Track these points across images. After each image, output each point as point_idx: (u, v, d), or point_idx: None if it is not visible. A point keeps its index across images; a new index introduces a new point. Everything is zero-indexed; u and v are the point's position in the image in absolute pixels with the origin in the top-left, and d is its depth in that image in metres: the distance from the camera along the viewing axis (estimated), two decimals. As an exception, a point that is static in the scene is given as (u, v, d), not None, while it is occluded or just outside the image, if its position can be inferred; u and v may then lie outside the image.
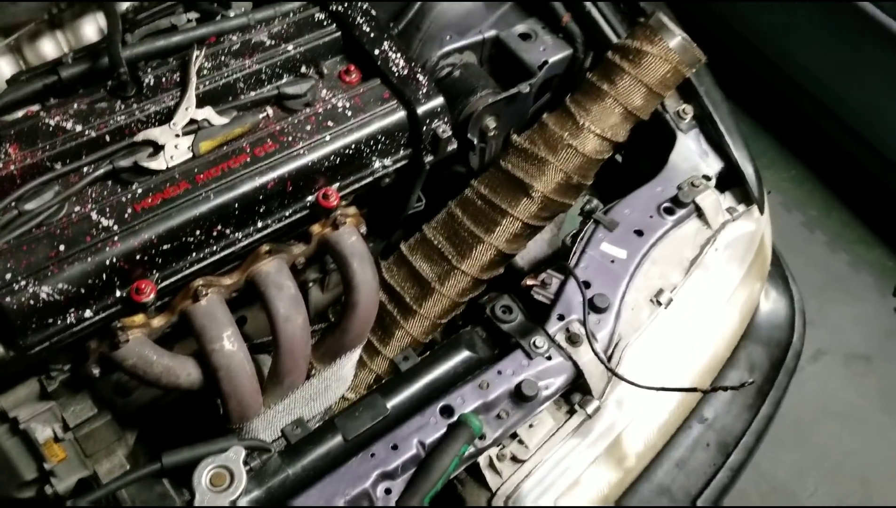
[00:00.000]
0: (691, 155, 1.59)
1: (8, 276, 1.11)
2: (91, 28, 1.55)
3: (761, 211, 1.56)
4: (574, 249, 1.45)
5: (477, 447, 1.22)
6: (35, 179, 1.21)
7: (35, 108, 1.31)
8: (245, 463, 1.13)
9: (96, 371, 1.30)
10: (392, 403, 1.25)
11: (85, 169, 1.24)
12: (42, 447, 1.34)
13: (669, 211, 1.50)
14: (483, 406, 1.25)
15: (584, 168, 1.55)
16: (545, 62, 1.70)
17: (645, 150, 1.66)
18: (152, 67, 1.35)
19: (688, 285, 1.45)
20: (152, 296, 1.22)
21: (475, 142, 1.65)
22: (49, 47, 1.50)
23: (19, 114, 1.29)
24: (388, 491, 1.16)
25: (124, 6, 1.55)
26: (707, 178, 1.55)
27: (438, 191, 1.65)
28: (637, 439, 1.35)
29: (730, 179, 1.60)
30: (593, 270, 1.41)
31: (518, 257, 1.67)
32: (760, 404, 1.54)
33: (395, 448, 1.19)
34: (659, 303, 1.41)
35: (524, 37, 1.74)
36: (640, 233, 1.47)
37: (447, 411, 1.23)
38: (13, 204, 1.18)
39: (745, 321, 1.56)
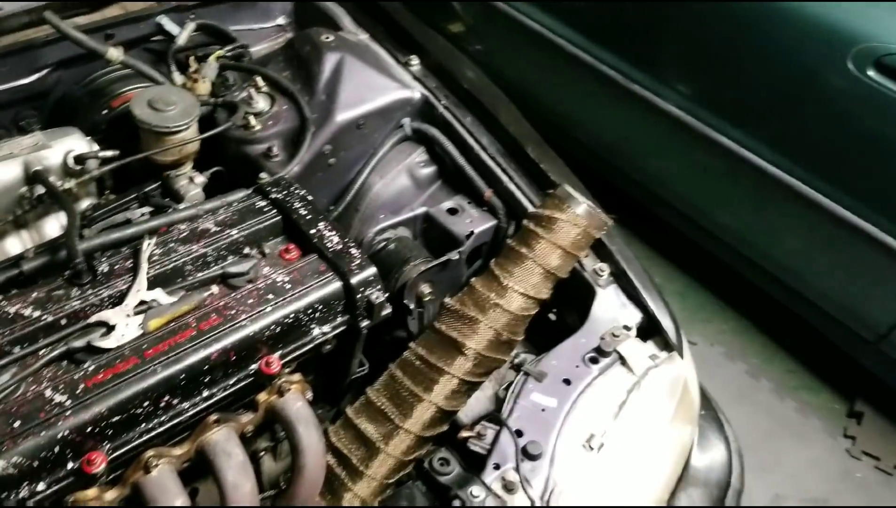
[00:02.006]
0: (611, 307, 1.76)
1: (-35, 454, 1.21)
2: (53, 226, 1.74)
3: (681, 356, 1.72)
4: (507, 399, 1.58)
5: None
6: (-7, 361, 1.34)
7: (-3, 299, 1.46)
8: None
9: (48, 550, 1.36)
10: (333, 562, 1.32)
11: (41, 352, 1.37)
12: None
13: (594, 360, 1.65)
14: (423, 557, 1.32)
15: (512, 325, 1.71)
16: (471, 232, 1.90)
17: (570, 306, 1.84)
18: (107, 257, 1.51)
19: (617, 429, 1.57)
20: (103, 466, 1.31)
21: (412, 307, 1.81)
22: (13, 244, 1.68)
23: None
24: None
25: (84, 204, 1.75)
26: (627, 328, 1.72)
27: (382, 355, 1.79)
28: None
29: (649, 329, 1.76)
30: (525, 419, 1.54)
31: (462, 413, 1.78)
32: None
33: None
34: (591, 448, 1.52)
35: (452, 211, 1.96)
36: (567, 382, 1.61)
37: (390, 566, 1.31)
38: (-29, 387, 1.30)
39: (680, 464, 1.66)
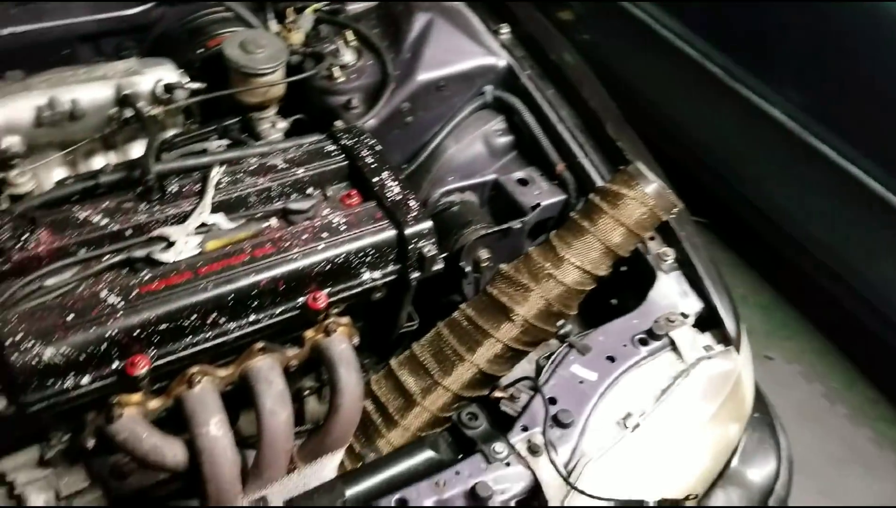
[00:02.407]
0: (671, 294, 1.72)
1: (19, 337, 1.30)
2: (138, 150, 1.84)
3: (738, 352, 1.66)
4: (546, 367, 1.57)
5: (426, 542, 1.30)
6: (59, 260, 1.43)
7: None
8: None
9: (91, 443, 1.44)
10: (351, 491, 1.34)
11: (104, 257, 1.46)
12: (34, 515, 1.47)
13: (644, 342, 1.62)
14: (437, 502, 1.33)
15: (564, 297, 1.69)
16: (538, 204, 1.89)
17: (629, 288, 1.81)
18: (178, 179, 1.59)
19: (657, 413, 1.53)
20: (145, 370, 1.38)
21: (467, 270, 1.82)
22: (100, 162, 1.78)
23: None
24: (331, 575, 1.24)
25: (169, 133, 1.84)
26: (685, 315, 1.68)
27: (435, 318, 1.81)
28: (595, 558, 1.40)
29: (709, 321, 1.71)
30: (561, 388, 1.52)
31: (504, 380, 1.79)
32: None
33: (344, 532, 1.28)
34: (626, 426, 1.50)
35: (522, 182, 1.96)
36: (612, 359, 1.58)
37: (401, 503, 1.32)
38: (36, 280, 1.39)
39: (720, 461, 1.62)
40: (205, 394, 1.49)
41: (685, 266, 1.75)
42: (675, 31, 3.31)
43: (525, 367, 1.74)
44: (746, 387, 1.68)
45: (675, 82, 3.43)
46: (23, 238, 1.42)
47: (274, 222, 1.57)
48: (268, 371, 1.55)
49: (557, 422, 1.46)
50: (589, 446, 1.46)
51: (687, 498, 1.37)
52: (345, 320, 1.65)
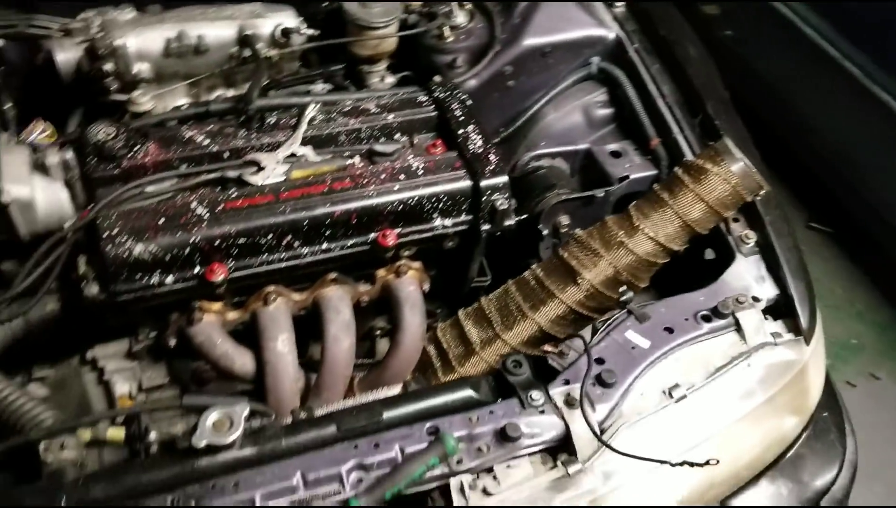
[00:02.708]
0: (746, 276, 1.68)
1: (115, 232, 1.47)
2: (255, 90, 1.98)
3: (807, 343, 1.61)
4: (601, 329, 1.59)
5: (451, 468, 1.35)
6: (162, 172, 1.59)
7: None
8: (247, 420, 1.35)
9: (172, 342, 1.61)
10: (389, 413, 1.42)
11: (201, 173, 1.61)
12: (118, 399, 1.65)
13: (707, 319, 1.60)
14: (468, 436, 1.39)
15: (634, 267, 1.70)
16: (626, 176, 1.90)
17: (706, 266, 1.79)
18: (278, 113, 1.72)
19: (707, 389, 1.52)
20: (222, 278, 1.52)
21: (545, 233, 1.85)
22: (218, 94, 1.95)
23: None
24: (359, 481, 1.32)
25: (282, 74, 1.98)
26: (756, 299, 1.64)
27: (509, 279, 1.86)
28: (619, 518, 1.42)
29: (783, 310, 1.67)
30: (611, 351, 1.54)
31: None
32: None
33: (377, 446, 1.35)
34: (671, 396, 1.49)
35: (614, 154, 1.96)
36: (670, 331, 1.58)
37: (434, 430, 1.39)
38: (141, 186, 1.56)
39: (770, 451, 1.58)
40: (277, 312, 1.62)
41: (766, 251, 1.71)
42: (821, 32, 3.17)
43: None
44: (812, 382, 1.62)
45: (815, 85, 3.28)
46: (134, 149, 1.59)
47: (357, 160, 1.68)
48: (337, 301, 1.66)
49: (600, 380, 1.48)
50: (629, 409, 1.47)
51: (707, 463, 1.35)
52: (417, 264, 1.74)
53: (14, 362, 1.65)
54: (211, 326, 1.60)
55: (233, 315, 1.65)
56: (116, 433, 1.43)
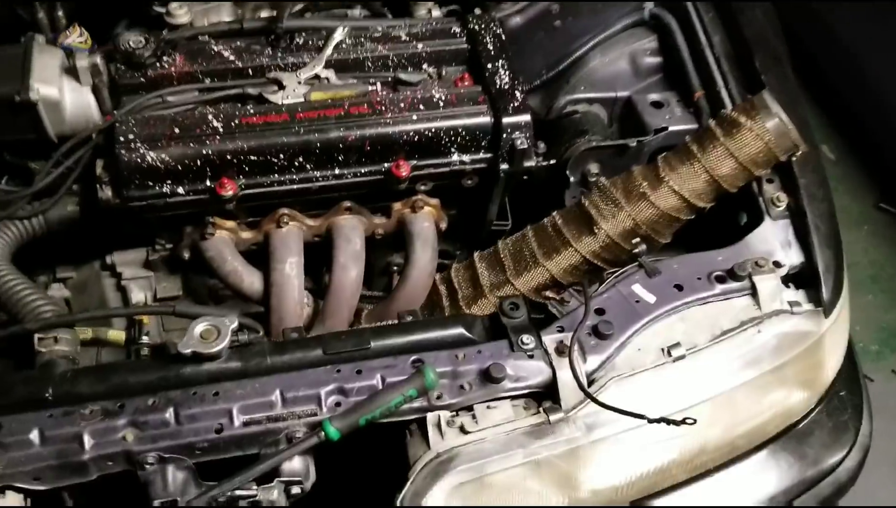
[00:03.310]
0: (771, 240, 1.60)
1: (131, 136, 1.50)
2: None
3: (826, 316, 1.53)
4: (607, 280, 1.54)
5: (431, 402, 1.35)
6: (186, 83, 1.61)
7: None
8: (235, 334, 1.38)
9: (186, 255, 1.65)
10: (376, 342, 1.43)
11: (224, 88, 1.62)
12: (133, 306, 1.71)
13: (721, 279, 1.53)
14: (451, 373, 1.38)
15: (655, 222, 1.63)
16: (664, 128, 1.82)
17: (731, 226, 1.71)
18: (306, 34, 1.71)
19: (709, 352, 1.46)
20: (231, 193, 1.54)
21: (572, 180, 1.80)
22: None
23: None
24: (337, 404, 1.34)
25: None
26: (777, 264, 1.56)
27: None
28: (599, 474, 1.38)
29: (807, 279, 1.58)
30: (614, 302, 1.49)
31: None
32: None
33: (359, 372, 1.36)
34: (669, 354, 1.44)
35: (656, 104, 1.88)
36: (679, 288, 1.52)
37: (418, 363, 1.39)
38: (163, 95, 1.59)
39: (774, 424, 1.52)
40: (289, 235, 1.64)
41: (796, 215, 1.62)
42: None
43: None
44: (828, 357, 1.55)
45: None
46: (162, 59, 1.61)
47: (379, 87, 1.66)
48: (349, 230, 1.67)
49: (596, 331, 1.44)
50: (622, 363, 1.43)
51: (684, 421, 1.31)
52: (434, 201, 1.72)
53: (38, 262, 1.73)
54: (222, 242, 1.63)
55: (246, 235, 1.68)
56: (117, 335, 1.48)
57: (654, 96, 1.89)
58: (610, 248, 1.65)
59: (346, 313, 1.68)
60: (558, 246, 1.68)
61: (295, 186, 1.59)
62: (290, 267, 1.62)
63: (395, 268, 1.87)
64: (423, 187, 1.68)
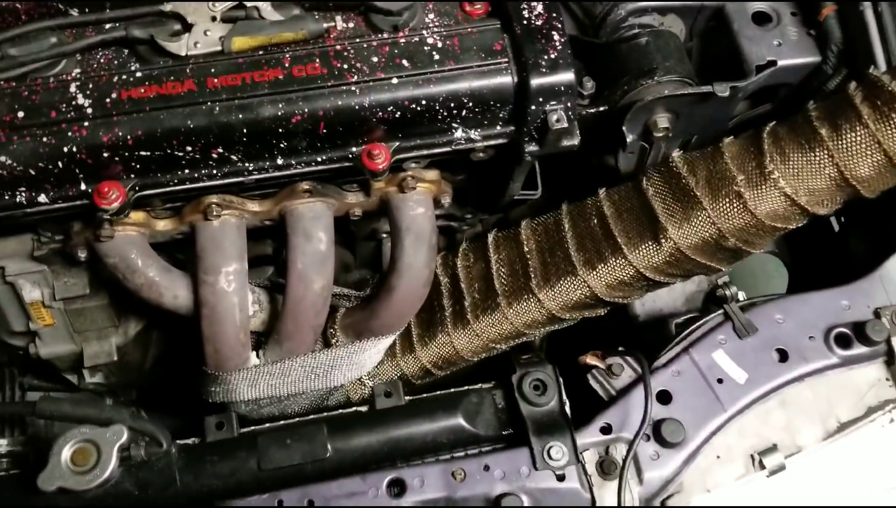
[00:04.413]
0: (923, 272, 1.12)
1: (-51, 128, 0.98)
2: None
3: None
4: (676, 339, 1.08)
5: (415, 551, 0.95)
6: (39, 21, 1.05)
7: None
8: (125, 450, 0.95)
9: (82, 255, 1.18)
10: (337, 445, 1.00)
11: (98, 28, 1.06)
12: (29, 306, 1.29)
13: (844, 342, 1.07)
14: (445, 501, 0.96)
15: (749, 232, 1.13)
16: (771, 62, 1.26)
17: (864, 235, 1.21)
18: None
19: (820, 456, 1.03)
20: (117, 205, 1.04)
21: (629, 139, 1.27)
22: None
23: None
24: (276, 559, 0.94)
25: None
26: (927, 313, 1.09)
27: (570, 189, 1.31)
28: None
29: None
30: (686, 382, 1.05)
31: (639, 302, 1.32)
32: None
33: (310, 504, 0.95)
34: (762, 466, 1.02)
35: (760, 18, 1.31)
36: (783, 356, 1.06)
37: (397, 485, 0.97)
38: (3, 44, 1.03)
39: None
40: (223, 231, 1.17)
41: (967, 235, 1.12)
42: None
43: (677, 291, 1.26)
44: None
45: None
46: (-5, -21, 1.04)
47: (340, 23, 1.09)
48: (310, 222, 1.19)
49: (658, 435, 1.00)
50: (693, 481, 1.01)
51: None
52: (430, 174, 1.23)
53: None
54: (128, 243, 1.16)
55: (164, 225, 1.19)
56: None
57: (759, 5, 1.31)
58: (679, 262, 1.17)
59: (310, 335, 1.24)
60: (604, 252, 1.19)
61: (217, 182, 1.09)
62: (226, 281, 1.15)
63: (385, 235, 1.41)
64: (413, 165, 1.17)
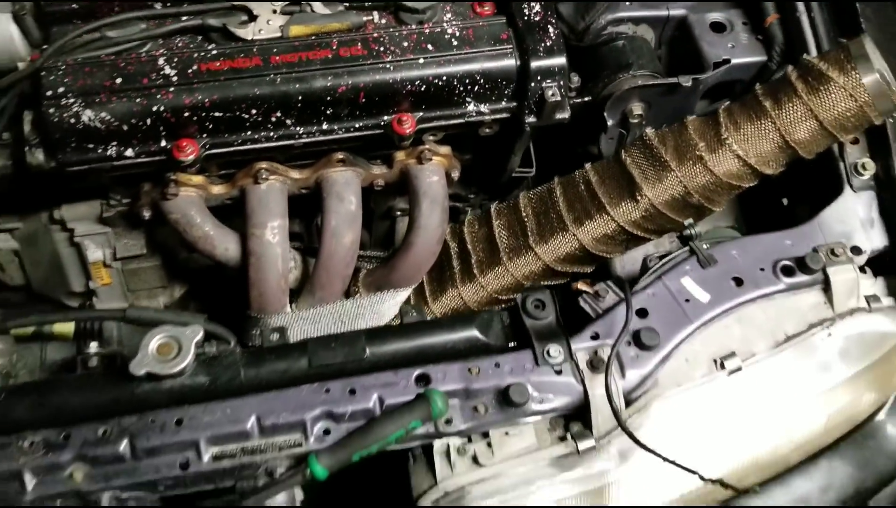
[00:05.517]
0: (850, 218, 1.38)
1: (61, 90, 1.24)
2: None
3: (914, 314, 1.33)
4: (651, 269, 1.33)
5: (439, 428, 1.17)
6: (131, 11, 1.33)
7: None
8: (200, 346, 1.18)
9: (147, 214, 1.42)
10: (373, 350, 1.23)
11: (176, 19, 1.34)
12: (90, 265, 1.50)
13: (789, 271, 1.32)
14: (463, 392, 1.20)
15: (710, 190, 1.40)
16: (726, 60, 1.55)
17: (804, 196, 1.48)
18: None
19: (770, 362, 1.27)
20: (192, 157, 1.30)
21: (610, 123, 1.55)
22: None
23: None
24: (326, 432, 1.16)
25: None
26: (857, 251, 1.35)
27: (560, 169, 1.58)
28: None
29: (889, 266, 1.37)
30: (659, 301, 1.29)
31: (619, 264, 1.57)
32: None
33: (352, 392, 1.18)
34: (723, 366, 1.25)
35: (717, 27, 1.60)
36: (738, 282, 1.31)
37: (423, 379, 1.20)
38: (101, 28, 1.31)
39: (836, 432, 1.35)
40: (269, 194, 1.41)
41: (885, 187, 1.39)
42: None
43: (636, 257, 1.51)
44: (909, 361, 1.36)
45: None
46: (100, -24, 1.32)
47: (376, 18, 1.37)
48: (342, 187, 1.43)
49: (638, 340, 1.24)
50: (667, 378, 1.24)
51: (749, 490, 1.14)
52: (444, 149, 1.48)
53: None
54: (189, 202, 1.40)
55: (218, 189, 1.44)
56: (64, 328, 1.28)
57: (715, 16, 1.61)
58: (653, 218, 1.43)
59: (340, 285, 1.47)
60: (591, 211, 1.45)
61: (272, 144, 1.35)
62: (272, 233, 1.40)
63: (399, 213, 1.65)
64: (431, 137, 1.44)
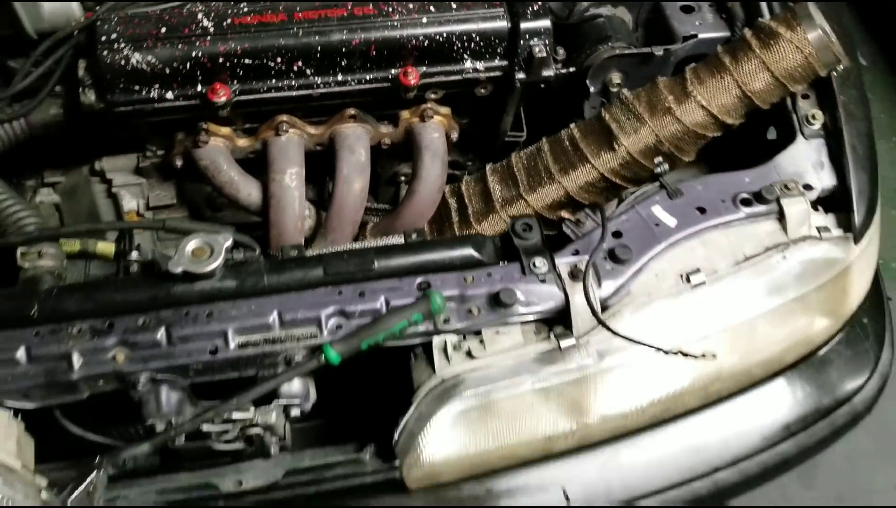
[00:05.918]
0: (802, 161, 1.56)
1: (113, 36, 1.45)
2: None
3: (856, 242, 1.50)
4: (625, 200, 1.51)
5: (437, 326, 1.34)
6: (173, -24, 1.55)
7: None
8: (229, 251, 1.36)
9: (179, 162, 1.61)
10: (381, 263, 1.41)
11: (216, -18, 1.55)
12: (125, 214, 1.68)
13: (746, 202, 1.50)
14: (459, 297, 1.36)
15: (679, 138, 1.59)
16: (693, 35, 1.75)
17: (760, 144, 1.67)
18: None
19: (730, 279, 1.44)
20: (224, 99, 1.49)
21: (592, 91, 1.75)
22: None
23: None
24: (338, 327, 1.33)
25: None
26: (808, 188, 1.53)
27: (552, 133, 1.77)
28: (609, 401, 1.39)
29: (838, 203, 1.55)
30: (632, 225, 1.46)
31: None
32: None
33: (361, 295, 1.35)
34: (688, 281, 1.43)
35: (686, 9, 1.81)
36: (702, 211, 1.49)
37: (424, 286, 1.37)
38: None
39: (793, 352, 1.52)
40: (289, 144, 1.60)
41: (832, 135, 1.57)
42: None
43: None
44: (854, 284, 1.53)
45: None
46: (146, -51, 1.54)
47: (385, -20, 1.59)
48: (353, 140, 1.63)
49: (612, 255, 1.42)
50: (638, 289, 1.41)
51: (703, 355, 1.30)
52: (445, 110, 1.68)
53: (24, 165, 1.70)
54: (217, 150, 1.60)
55: (243, 142, 1.64)
56: (106, 247, 1.46)
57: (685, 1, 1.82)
58: (630, 165, 1.61)
59: (350, 229, 1.66)
60: (575, 162, 1.64)
61: (294, 93, 1.55)
62: (290, 178, 1.59)
63: (403, 178, 1.84)
64: (433, 96, 1.64)
